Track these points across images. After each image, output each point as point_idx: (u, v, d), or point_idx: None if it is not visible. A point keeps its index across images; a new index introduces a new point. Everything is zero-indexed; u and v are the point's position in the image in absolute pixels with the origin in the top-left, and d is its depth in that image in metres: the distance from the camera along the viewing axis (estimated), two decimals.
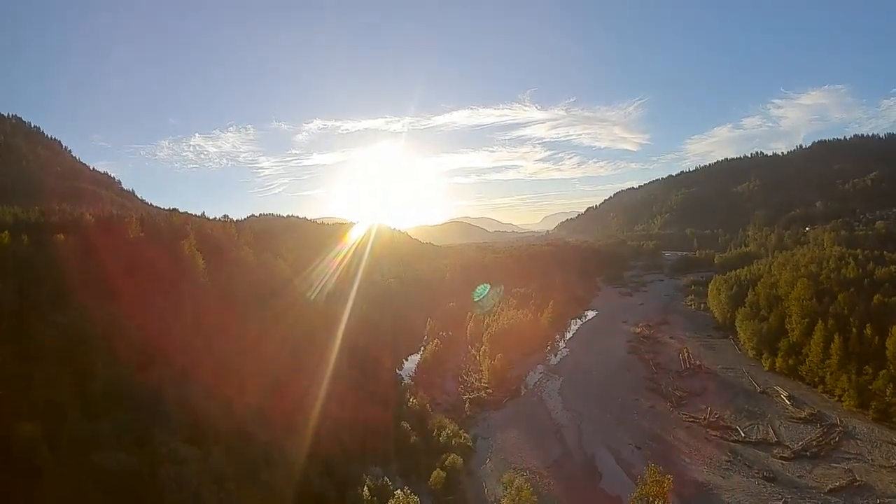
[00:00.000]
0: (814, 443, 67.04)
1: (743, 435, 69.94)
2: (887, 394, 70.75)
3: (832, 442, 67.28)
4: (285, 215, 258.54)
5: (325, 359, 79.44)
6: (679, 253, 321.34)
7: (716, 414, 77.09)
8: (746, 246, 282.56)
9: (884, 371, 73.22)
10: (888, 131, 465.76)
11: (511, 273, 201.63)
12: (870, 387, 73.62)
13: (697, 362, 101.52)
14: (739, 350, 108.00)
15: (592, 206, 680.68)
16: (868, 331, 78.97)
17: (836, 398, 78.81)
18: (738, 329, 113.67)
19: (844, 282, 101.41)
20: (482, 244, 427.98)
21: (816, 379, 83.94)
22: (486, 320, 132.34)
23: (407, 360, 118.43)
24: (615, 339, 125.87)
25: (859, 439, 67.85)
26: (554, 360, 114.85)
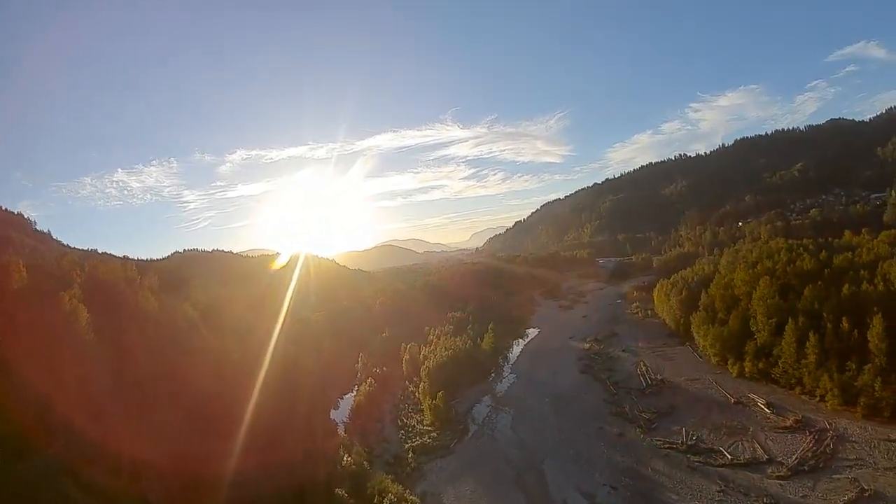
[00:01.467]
0: (808, 454, 64.36)
1: (729, 457, 66.21)
2: (876, 388, 71.04)
3: (827, 449, 65.03)
4: (210, 250, 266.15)
5: (239, 417, 70.12)
6: (614, 259, 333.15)
7: (693, 435, 73.46)
8: (682, 246, 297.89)
9: (869, 365, 73.74)
10: (805, 124, 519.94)
11: (445, 295, 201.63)
12: (855, 383, 74.11)
13: (659, 376, 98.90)
14: (700, 357, 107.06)
15: (520, 220, 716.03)
16: (845, 324, 79.87)
17: (818, 398, 77.62)
18: (694, 335, 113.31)
19: (803, 274, 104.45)
20: (412, 266, 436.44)
21: (793, 380, 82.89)
22: (423, 351, 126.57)
23: (342, 400, 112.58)
24: (564, 359, 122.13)
25: (854, 441, 66.14)
26: (501, 388, 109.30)
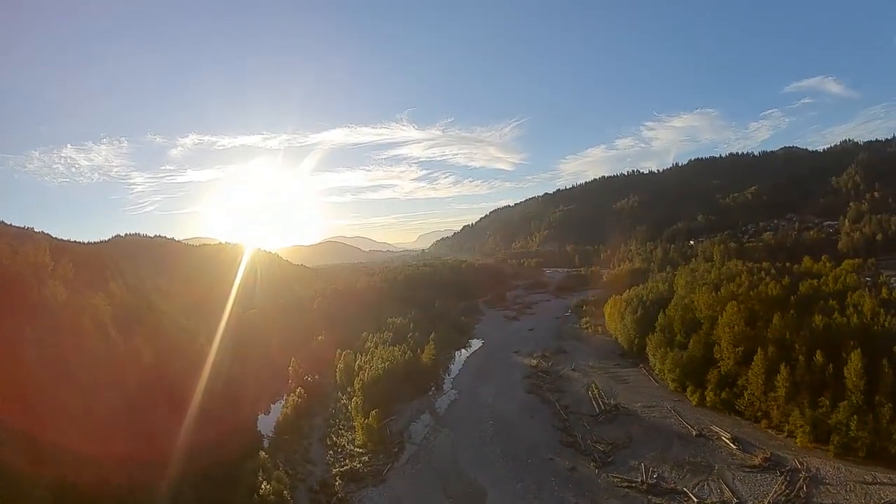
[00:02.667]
0: (781, 498, 59.67)
1: (696, 500, 60.64)
2: (851, 427, 67.86)
3: (801, 493, 60.16)
4: (152, 235, 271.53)
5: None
6: (562, 270, 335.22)
7: (654, 472, 67.40)
8: (632, 261, 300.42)
9: (845, 402, 70.61)
10: (758, 150, 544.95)
11: (386, 298, 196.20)
12: (829, 420, 70.85)
13: (612, 401, 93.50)
14: (656, 381, 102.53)
15: (469, 224, 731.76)
16: (819, 357, 76.58)
17: (786, 434, 74.02)
18: (650, 357, 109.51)
19: (768, 301, 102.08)
20: (356, 265, 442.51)
21: (759, 413, 78.86)
22: (359, 360, 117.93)
23: (268, 411, 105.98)
24: (510, 376, 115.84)
25: (829, 484, 61.55)
26: (441, 405, 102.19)
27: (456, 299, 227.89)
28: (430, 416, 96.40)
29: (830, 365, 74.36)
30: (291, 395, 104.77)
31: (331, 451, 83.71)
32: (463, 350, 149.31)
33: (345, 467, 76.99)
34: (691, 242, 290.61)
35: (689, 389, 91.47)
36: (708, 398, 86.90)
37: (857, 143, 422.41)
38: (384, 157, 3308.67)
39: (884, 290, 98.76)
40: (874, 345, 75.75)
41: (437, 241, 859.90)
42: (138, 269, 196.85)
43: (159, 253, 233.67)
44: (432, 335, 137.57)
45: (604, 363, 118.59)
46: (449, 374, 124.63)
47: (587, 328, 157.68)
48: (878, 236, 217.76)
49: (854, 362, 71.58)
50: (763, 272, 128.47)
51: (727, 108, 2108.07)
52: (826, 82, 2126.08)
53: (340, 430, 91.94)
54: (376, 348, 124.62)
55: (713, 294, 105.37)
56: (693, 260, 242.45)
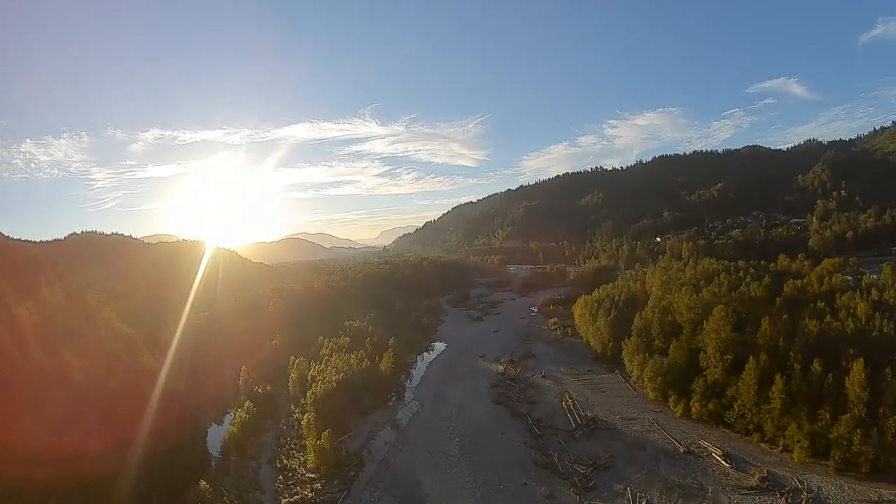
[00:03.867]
0: None
1: None
2: (854, 442, 62.82)
3: None
4: (109, 233, 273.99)
5: None
6: (527, 267, 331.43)
7: (642, 499, 60.92)
8: (597, 258, 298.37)
9: (846, 415, 65.67)
10: (720, 148, 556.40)
11: (345, 297, 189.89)
12: (829, 434, 65.84)
13: (589, 413, 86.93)
14: (634, 390, 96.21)
15: (431, 220, 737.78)
16: (816, 367, 71.50)
17: (781, 448, 69.10)
18: (626, 363, 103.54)
19: (751, 303, 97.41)
20: (317, 262, 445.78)
21: (750, 426, 73.35)
22: (313, 369, 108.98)
23: (223, 422, 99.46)
24: (475, 384, 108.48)
25: None
26: (403, 417, 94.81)
27: (418, 298, 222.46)
28: (390, 431, 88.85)
29: (830, 375, 69.39)
30: (240, 409, 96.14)
31: (280, 476, 75.78)
32: (426, 354, 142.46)
33: (295, 496, 69.07)
34: (658, 239, 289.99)
35: (671, 399, 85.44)
36: (693, 409, 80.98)
37: (821, 142, 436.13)
38: (346, 152, 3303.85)
39: (873, 292, 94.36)
40: (873, 352, 71.13)
41: (400, 237, 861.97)
42: (93, 269, 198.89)
43: (115, 252, 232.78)
44: (392, 340, 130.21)
45: (576, 369, 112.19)
46: (411, 381, 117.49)
47: (556, 329, 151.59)
48: (849, 234, 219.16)
49: (856, 372, 66.71)
50: (741, 271, 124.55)
51: (690, 108, 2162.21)
52: (789, 84, 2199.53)
53: (292, 449, 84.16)
54: (331, 356, 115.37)
55: (694, 296, 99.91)
56: (661, 257, 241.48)
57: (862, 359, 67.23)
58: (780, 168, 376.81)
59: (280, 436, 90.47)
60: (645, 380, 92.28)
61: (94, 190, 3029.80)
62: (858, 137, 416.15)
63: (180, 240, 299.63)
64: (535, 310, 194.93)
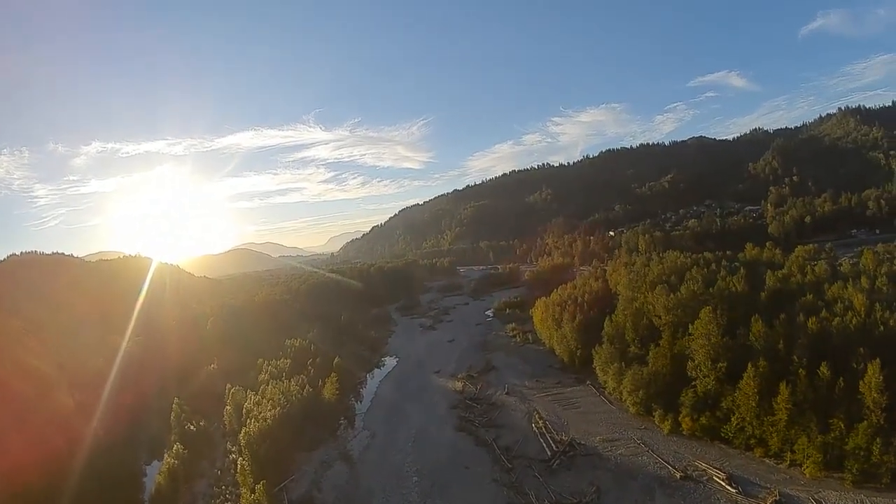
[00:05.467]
0: None
1: None
2: (874, 452, 55.10)
3: None
4: (49, 252, 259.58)
5: None
6: (478, 268, 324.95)
7: None
8: (550, 255, 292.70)
9: (863, 423, 58.00)
10: (665, 140, 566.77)
11: (289, 311, 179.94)
12: (844, 445, 58.07)
13: (565, 436, 76.90)
14: (611, 403, 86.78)
15: (378, 225, 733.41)
16: (824, 370, 63.75)
17: (788, 464, 61.37)
18: (599, 373, 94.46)
19: (733, 299, 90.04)
20: (264, 273, 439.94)
21: (752, 440, 65.32)
22: (249, 400, 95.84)
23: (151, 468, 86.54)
24: (432, 407, 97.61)
25: None
26: (353, 449, 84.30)
27: (366, 307, 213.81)
28: (340, 468, 78.03)
29: (840, 379, 61.76)
30: (169, 453, 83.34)
31: None
32: (376, 371, 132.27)
33: None
34: (611, 233, 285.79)
35: (657, 414, 76.37)
36: (684, 424, 72.16)
37: (766, 131, 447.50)
38: (291, 159, 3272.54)
39: (863, 280, 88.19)
40: (882, 350, 64.15)
41: (347, 243, 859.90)
42: (31, 292, 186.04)
43: (54, 273, 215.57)
44: (336, 360, 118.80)
45: (543, 381, 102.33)
46: (361, 403, 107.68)
47: (515, 336, 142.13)
48: (807, 219, 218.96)
49: (872, 375, 59.45)
50: (713, 264, 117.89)
51: (633, 103, 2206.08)
52: (730, 76, 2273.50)
53: (227, 501, 72.42)
54: (268, 384, 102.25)
55: (671, 296, 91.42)
56: (617, 251, 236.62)
57: (878, 359, 59.97)
58: (729, 157, 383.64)
59: (215, 483, 78.56)
60: (624, 392, 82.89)
61: (37, 207, 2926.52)
62: (804, 125, 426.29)
63: (122, 256, 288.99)
64: (491, 314, 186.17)
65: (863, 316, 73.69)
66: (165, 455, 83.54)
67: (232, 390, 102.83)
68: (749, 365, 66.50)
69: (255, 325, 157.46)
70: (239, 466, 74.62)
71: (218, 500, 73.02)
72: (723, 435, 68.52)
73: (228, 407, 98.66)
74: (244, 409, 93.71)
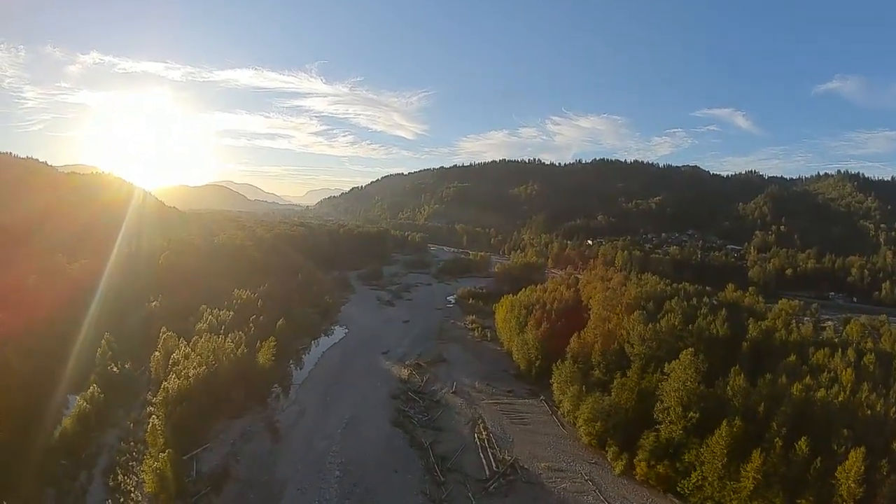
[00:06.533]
0: None
1: None
2: None
3: None
4: (24, 157, 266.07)
5: None
6: (448, 250, 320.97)
7: None
8: (524, 251, 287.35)
9: None
10: (659, 163, 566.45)
11: (247, 260, 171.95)
12: None
13: (507, 456, 70.53)
14: (563, 426, 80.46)
15: (358, 187, 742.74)
16: (802, 446, 58.01)
17: None
18: (556, 391, 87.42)
19: (712, 342, 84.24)
20: (236, 213, 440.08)
21: (709, 503, 61.06)
22: (180, 350, 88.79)
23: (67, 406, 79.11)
24: (372, 392, 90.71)
25: None
26: (280, 424, 77.73)
27: (327, 268, 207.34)
28: (259, 446, 70.67)
29: (818, 459, 56.06)
30: (84, 395, 77.07)
31: (110, 501, 57.86)
32: (323, 339, 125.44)
33: None
34: (590, 242, 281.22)
35: (611, 451, 70.08)
36: (638, 469, 65.92)
37: (761, 175, 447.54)
38: (286, 105, 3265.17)
39: (850, 352, 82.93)
40: (865, 435, 58.92)
41: (325, 199, 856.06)
42: None
43: (21, 179, 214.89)
44: (280, 322, 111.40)
45: (494, 386, 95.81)
46: (301, 370, 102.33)
47: (474, 330, 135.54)
48: (788, 271, 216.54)
49: (854, 462, 53.65)
50: (694, 298, 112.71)
51: (635, 119, 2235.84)
52: (735, 115, 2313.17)
53: (133, 461, 65.51)
54: (202, 337, 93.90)
55: (649, 326, 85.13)
56: (592, 261, 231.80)
57: (864, 448, 54.36)
58: (719, 193, 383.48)
59: (125, 437, 71.55)
60: (579, 419, 76.34)
61: (23, 109, 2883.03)
62: (801, 178, 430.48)
63: (94, 172, 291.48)
64: (453, 300, 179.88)
65: (848, 393, 68.25)
66: (78, 397, 76.96)
67: (165, 335, 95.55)
68: (724, 422, 60.38)
69: (209, 267, 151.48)
70: (150, 426, 67.44)
71: (124, 458, 66.22)
72: (678, 489, 62.53)
73: (158, 353, 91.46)
74: (173, 358, 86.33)
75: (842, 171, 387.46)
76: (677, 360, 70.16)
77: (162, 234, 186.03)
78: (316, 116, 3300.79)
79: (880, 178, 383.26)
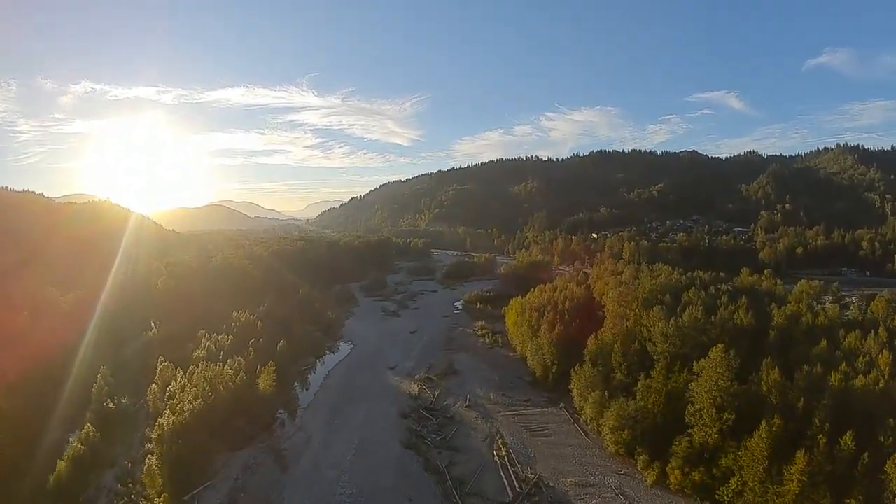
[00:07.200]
0: None
1: None
2: None
3: None
4: (20, 190, 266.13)
5: None
6: (451, 253, 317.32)
7: None
8: (528, 249, 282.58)
9: None
10: (656, 150, 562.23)
11: (245, 279, 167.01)
12: None
13: (530, 473, 65.73)
14: (586, 435, 75.66)
15: (357, 196, 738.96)
16: (848, 441, 53.36)
17: None
18: (576, 397, 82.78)
19: (737, 334, 79.37)
20: (236, 232, 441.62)
21: None
22: (177, 381, 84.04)
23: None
24: (381, 412, 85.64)
25: None
26: (288, 448, 74.05)
27: (329, 282, 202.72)
28: (264, 478, 66.21)
29: (865, 455, 51.42)
30: (78, 435, 73.38)
31: None
32: (328, 356, 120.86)
33: None
34: (594, 235, 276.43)
35: (641, 459, 65.36)
36: (672, 477, 61.17)
37: (760, 155, 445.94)
38: (280, 121, 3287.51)
39: (881, 331, 77.91)
40: None
41: (325, 211, 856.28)
42: None
43: (18, 212, 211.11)
44: (280, 344, 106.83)
45: (510, 396, 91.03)
46: (307, 391, 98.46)
47: (484, 336, 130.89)
48: (799, 250, 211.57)
49: None
50: (711, 287, 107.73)
51: (628, 108, 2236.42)
52: (728, 97, 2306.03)
53: (135, 500, 61.75)
54: (198, 365, 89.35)
55: (671, 322, 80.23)
56: (599, 255, 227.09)
57: None
58: (720, 175, 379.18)
59: (123, 477, 67.19)
60: (604, 428, 71.49)
61: (18, 142, 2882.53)
62: (800, 155, 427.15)
63: (90, 201, 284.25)
64: (460, 306, 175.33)
65: (887, 378, 63.38)
66: (70, 438, 73.40)
67: (163, 365, 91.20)
68: (763, 422, 55.65)
69: (207, 290, 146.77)
70: (146, 466, 63.72)
71: (122, 502, 61.94)
72: (717, 497, 57.83)
73: (155, 385, 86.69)
74: (167, 392, 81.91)
75: (841, 145, 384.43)
76: (707, 359, 65.22)
77: (160, 258, 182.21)
78: (310, 130, 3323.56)
79: (881, 148, 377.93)
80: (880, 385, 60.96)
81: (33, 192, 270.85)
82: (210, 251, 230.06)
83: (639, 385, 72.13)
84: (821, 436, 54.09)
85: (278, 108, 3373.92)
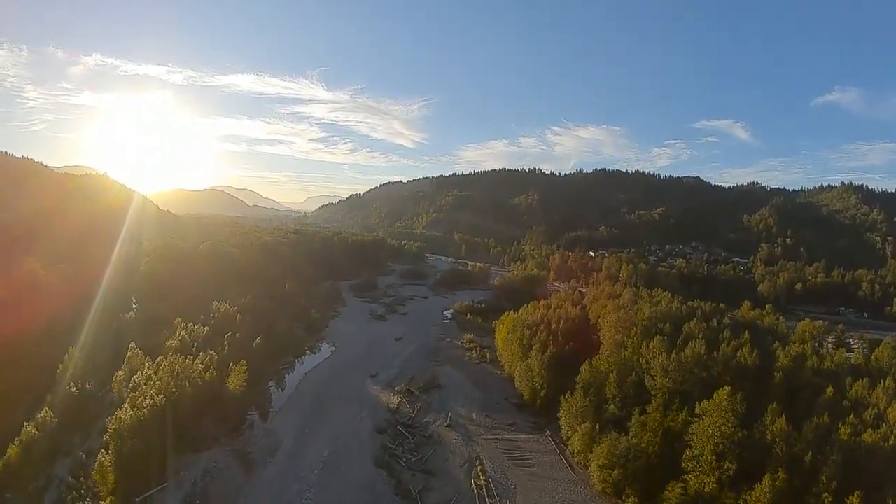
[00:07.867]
0: None
1: None
2: None
3: None
4: (20, 156, 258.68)
5: None
6: (446, 260, 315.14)
7: None
8: (524, 262, 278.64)
9: None
10: (660, 174, 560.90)
11: (231, 268, 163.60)
12: None
13: None
14: (572, 469, 70.51)
15: (357, 194, 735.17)
16: (855, 501, 48.79)
17: None
18: (564, 426, 77.65)
19: (740, 373, 74.85)
20: (233, 218, 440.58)
21: None
22: (141, 372, 79.58)
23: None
24: (356, 424, 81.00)
25: None
26: (255, 452, 70.09)
27: (318, 279, 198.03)
28: (222, 487, 61.98)
29: None
30: (34, 420, 69.48)
31: None
32: (308, 355, 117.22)
33: None
34: (592, 254, 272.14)
35: (629, 502, 60.57)
36: None
37: (763, 187, 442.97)
38: (287, 111, 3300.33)
39: (888, 381, 73.27)
40: None
41: (324, 206, 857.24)
42: None
43: (15, 179, 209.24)
44: (257, 341, 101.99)
45: (494, 418, 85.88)
46: (283, 391, 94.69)
47: (471, 350, 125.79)
48: (798, 286, 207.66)
49: None
50: (713, 319, 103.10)
51: (634, 129, 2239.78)
52: (734, 127, 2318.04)
53: (84, 499, 58.16)
54: (167, 357, 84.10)
55: (672, 356, 75.39)
56: (596, 274, 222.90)
57: None
58: (723, 204, 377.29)
59: (76, 470, 63.56)
60: (594, 468, 66.22)
61: (24, 109, 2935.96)
62: (803, 190, 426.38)
63: (88, 174, 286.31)
64: (450, 315, 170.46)
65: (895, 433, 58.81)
66: (25, 423, 68.09)
67: (133, 351, 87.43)
68: (767, 475, 50.98)
69: (192, 275, 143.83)
70: (98, 464, 59.12)
71: (72, 496, 58.04)
72: None
73: (121, 373, 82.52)
74: (131, 382, 77.28)
75: (845, 183, 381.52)
76: (710, 401, 60.36)
77: (153, 239, 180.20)
78: (316, 123, 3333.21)
79: (884, 189, 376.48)
80: (890, 442, 56.38)
81: (32, 160, 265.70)
82: (206, 235, 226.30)
83: (633, 420, 67.33)
84: (826, 494, 49.86)
85: (286, 99, 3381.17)
